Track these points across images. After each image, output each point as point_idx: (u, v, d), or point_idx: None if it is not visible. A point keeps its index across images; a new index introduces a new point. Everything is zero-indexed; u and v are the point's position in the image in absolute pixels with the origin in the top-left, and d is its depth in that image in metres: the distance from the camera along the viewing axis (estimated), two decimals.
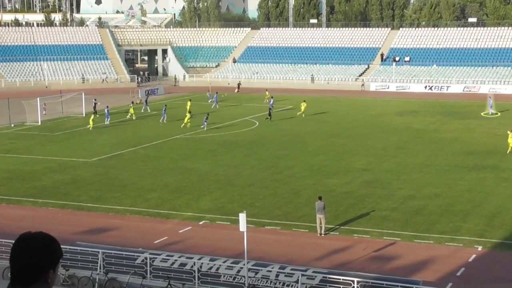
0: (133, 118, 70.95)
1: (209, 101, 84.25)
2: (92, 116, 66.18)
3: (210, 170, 46.60)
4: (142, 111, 76.25)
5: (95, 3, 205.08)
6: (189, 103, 72.32)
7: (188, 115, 65.45)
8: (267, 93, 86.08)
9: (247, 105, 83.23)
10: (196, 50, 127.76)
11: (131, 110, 71.51)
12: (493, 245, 30.37)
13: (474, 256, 29.01)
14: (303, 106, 72.94)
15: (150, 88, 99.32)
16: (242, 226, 24.90)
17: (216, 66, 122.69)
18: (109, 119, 67.83)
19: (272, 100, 75.93)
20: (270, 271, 25.22)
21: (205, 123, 63.45)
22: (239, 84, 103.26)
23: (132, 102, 74.28)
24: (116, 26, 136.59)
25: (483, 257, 29.04)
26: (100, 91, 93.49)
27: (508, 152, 51.19)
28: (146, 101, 79.97)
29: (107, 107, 69.57)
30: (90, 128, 63.81)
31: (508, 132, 52.18)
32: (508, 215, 34.81)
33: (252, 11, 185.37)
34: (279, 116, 72.97)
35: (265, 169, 46.72)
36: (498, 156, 50.40)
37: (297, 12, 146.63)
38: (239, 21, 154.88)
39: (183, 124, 64.45)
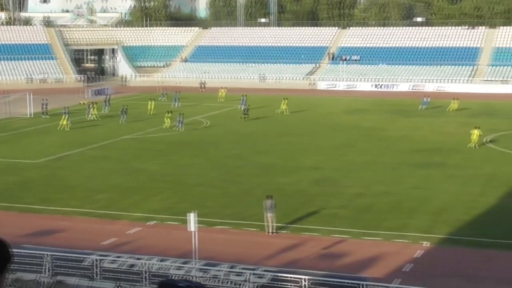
0: (94, 118, 70.23)
1: (161, 100, 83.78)
2: (64, 116, 64.56)
3: (159, 170, 46.37)
4: (104, 111, 75.61)
5: (42, 1, 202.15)
6: (150, 103, 72.89)
7: (168, 115, 65.19)
8: (222, 91, 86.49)
9: (202, 105, 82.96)
10: (145, 49, 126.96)
11: (94, 111, 70.83)
12: (440, 241, 30.83)
13: (421, 252, 29.40)
14: (284, 104, 74.11)
15: (98, 88, 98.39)
16: (192, 226, 24.86)
17: (166, 66, 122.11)
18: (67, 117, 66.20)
19: (244, 99, 76.54)
20: (220, 270, 25.20)
21: (180, 124, 62.63)
22: (203, 83, 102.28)
23: (95, 103, 73.30)
24: (63, 25, 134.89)
25: (430, 252, 29.44)
26: (46, 92, 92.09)
27: (468, 146, 52.65)
28: (107, 101, 79.03)
29: (65, 107, 68.87)
30: (67, 129, 62.80)
31: (474, 129, 53.47)
32: (454, 211, 35.37)
33: (202, 10, 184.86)
34: (229, 115, 73.00)
35: (215, 168, 46.66)
36: (444, 153, 51.18)
37: (246, 11, 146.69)
38: (189, 20, 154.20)
39: (165, 124, 64.21)
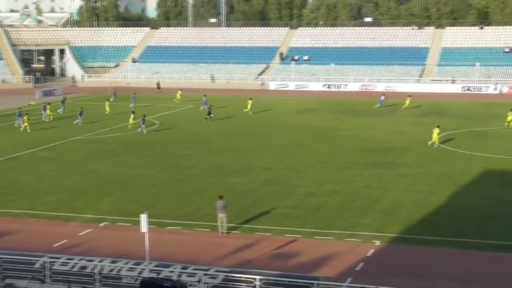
0: (48, 120, 69.32)
1: (111, 100, 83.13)
2: (21, 117, 63.72)
3: (110, 171, 45.99)
4: (59, 112, 74.71)
5: None
6: (106, 103, 72.72)
7: (132, 115, 64.59)
8: (179, 92, 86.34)
9: (157, 106, 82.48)
10: (94, 50, 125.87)
11: (48, 112, 69.91)
12: (391, 240, 31.16)
13: (372, 250, 29.67)
14: (249, 104, 74.93)
15: (47, 89, 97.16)
16: (144, 227, 24.70)
17: (115, 66, 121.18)
18: (20, 121, 65.19)
19: (205, 99, 78.02)
20: (172, 271, 25.09)
21: (143, 125, 61.93)
22: (159, 84, 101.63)
23: (48, 103, 72.28)
24: (10, 25, 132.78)
25: (381, 251, 29.74)
26: None
27: (429, 143, 53.96)
28: (63, 102, 78.13)
29: (19, 108, 67.82)
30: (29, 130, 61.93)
31: (435, 128, 54.89)
32: (404, 210, 35.79)
33: (151, 10, 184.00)
34: (182, 115, 72.76)
35: (167, 169, 46.46)
36: (394, 152, 51.74)
37: (196, 12, 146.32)
38: (138, 20, 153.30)
39: (129, 124, 63.68)
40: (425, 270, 27.37)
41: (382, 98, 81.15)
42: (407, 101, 78.32)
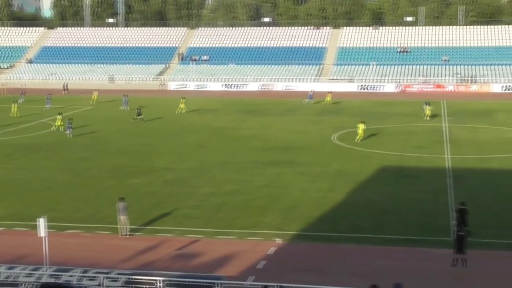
0: None
1: (19, 102, 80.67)
2: None
3: (6, 174, 44.81)
4: None
5: None
6: (13, 105, 71.07)
7: (59, 117, 62.86)
8: (96, 93, 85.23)
9: (70, 107, 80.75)
10: None
11: None
12: (291, 237, 31.57)
13: (273, 248, 29.99)
14: (182, 103, 75.51)
15: None
16: (42, 231, 24.21)
17: (10, 67, 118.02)
18: None
19: (125, 100, 78.52)
20: (73, 275, 24.67)
21: (70, 129, 59.71)
22: (66, 85, 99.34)
23: None
24: None
25: (282, 249, 30.10)
26: None
27: (356, 140, 56.02)
28: None
29: None
30: None
31: (359, 123, 57.29)
32: (303, 208, 36.32)
33: (47, 10, 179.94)
34: (78, 116, 71.59)
35: (65, 171, 45.62)
36: (294, 151, 52.41)
37: (93, 11, 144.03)
38: (33, 20, 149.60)
39: (56, 126, 62.21)
40: (325, 266, 27.87)
41: (311, 94, 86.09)
42: (328, 98, 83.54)
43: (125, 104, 77.46)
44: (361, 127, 56.79)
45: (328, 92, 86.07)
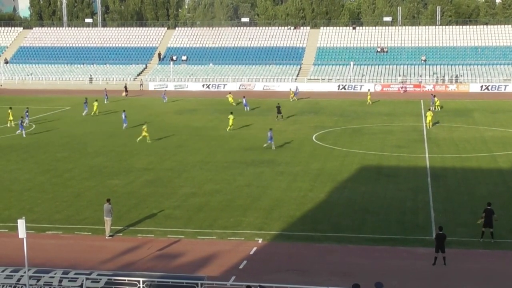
0: None
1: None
2: None
3: None
4: None
5: None
6: (9, 112, 68.68)
7: (10, 110, 63.06)
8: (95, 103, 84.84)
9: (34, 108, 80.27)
10: None
11: None
12: (272, 237, 31.58)
13: (255, 248, 29.99)
14: (144, 131, 73.35)
15: None
16: (21, 232, 24.00)
17: None
18: None
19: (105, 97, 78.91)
20: (53, 277, 24.52)
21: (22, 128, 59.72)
22: (125, 87, 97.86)
23: None
24: None
25: (263, 248, 30.10)
26: None
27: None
28: None
29: None
30: None
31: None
32: (284, 207, 36.34)
33: (24, 10, 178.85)
34: (56, 117, 71.18)
35: (43, 172, 45.33)
36: (273, 151, 52.40)
37: (70, 11, 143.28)
38: (10, 20, 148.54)
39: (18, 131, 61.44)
40: (306, 265, 27.90)
41: (297, 91, 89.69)
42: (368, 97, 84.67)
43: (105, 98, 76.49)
44: (429, 115, 63.67)
45: (368, 91, 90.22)
